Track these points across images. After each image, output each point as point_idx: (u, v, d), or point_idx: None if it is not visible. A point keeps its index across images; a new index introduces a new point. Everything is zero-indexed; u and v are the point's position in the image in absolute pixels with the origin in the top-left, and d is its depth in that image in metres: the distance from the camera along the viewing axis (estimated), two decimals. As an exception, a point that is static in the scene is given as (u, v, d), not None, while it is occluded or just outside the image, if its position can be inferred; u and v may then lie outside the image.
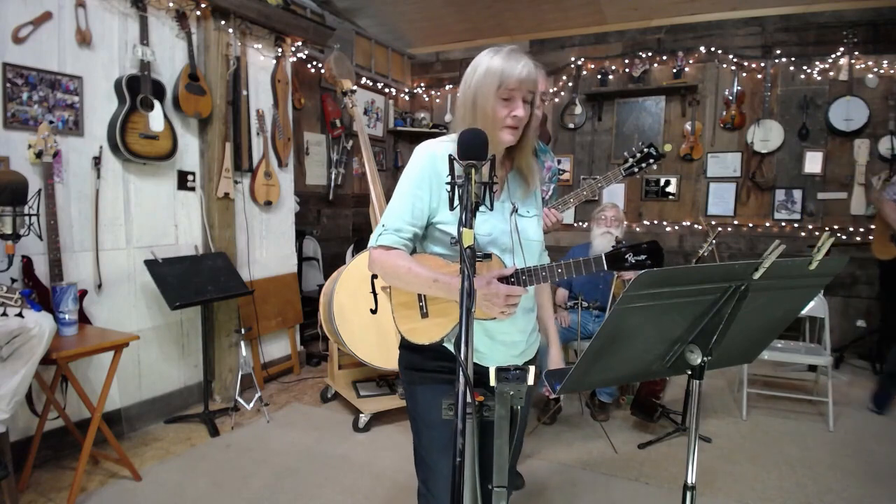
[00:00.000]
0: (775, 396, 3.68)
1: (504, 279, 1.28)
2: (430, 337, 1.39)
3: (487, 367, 1.37)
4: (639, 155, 2.07)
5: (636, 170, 2.07)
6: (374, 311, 3.07)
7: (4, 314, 1.97)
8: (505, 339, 1.42)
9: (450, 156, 1.15)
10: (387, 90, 5.73)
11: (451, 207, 1.12)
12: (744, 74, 4.98)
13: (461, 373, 0.92)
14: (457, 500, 0.88)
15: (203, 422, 3.14)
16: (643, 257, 1.24)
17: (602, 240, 3.43)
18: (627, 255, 1.25)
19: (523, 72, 1.29)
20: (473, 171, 1.10)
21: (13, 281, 2.44)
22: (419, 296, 1.39)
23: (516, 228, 1.40)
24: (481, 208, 1.31)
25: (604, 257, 1.27)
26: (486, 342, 1.41)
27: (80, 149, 2.80)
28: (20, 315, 2.01)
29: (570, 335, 3.44)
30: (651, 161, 2.05)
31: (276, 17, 3.73)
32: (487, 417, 1.03)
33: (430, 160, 1.37)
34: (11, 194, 2.21)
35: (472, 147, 1.13)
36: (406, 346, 1.48)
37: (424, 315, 1.40)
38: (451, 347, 1.41)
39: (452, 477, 0.88)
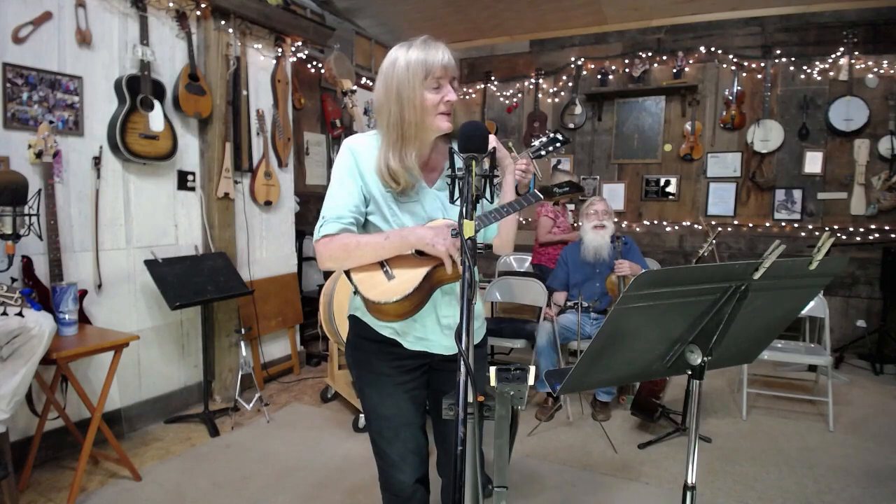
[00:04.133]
0: (775, 396, 3.68)
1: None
2: (404, 290, 1.33)
3: (435, 354, 1.46)
4: (545, 139, 2.19)
5: (543, 153, 2.19)
6: (374, 311, 3.06)
7: (4, 313, 1.97)
8: (450, 323, 1.44)
9: (450, 148, 1.16)
10: (387, 90, 5.72)
11: (452, 200, 1.13)
12: (744, 74, 4.98)
13: (462, 362, 0.92)
14: (457, 489, 0.90)
15: (203, 422, 3.14)
16: (566, 188, 1.42)
17: (595, 234, 3.42)
18: (554, 189, 1.42)
19: (445, 57, 1.32)
20: (474, 163, 1.11)
21: (13, 280, 2.44)
22: (380, 264, 1.38)
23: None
24: (411, 199, 1.39)
25: (537, 192, 1.44)
26: (435, 329, 1.44)
27: (80, 149, 2.80)
28: (20, 314, 2.01)
29: (570, 335, 3.44)
30: (557, 145, 2.17)
31: (276, 17, 3.73)
32: (488, 417, 1.03)
33: (351, 153, 1.40)
34: (11, 194, 2.21)
35: (473, 139, 1.14)
36: (354, 346, 1.52)
37: (391, 278, 1.38)
38: (405, 342, 1.44)
39: (453, 466, 0.89)
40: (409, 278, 1.37)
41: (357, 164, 1.39)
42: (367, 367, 1.49)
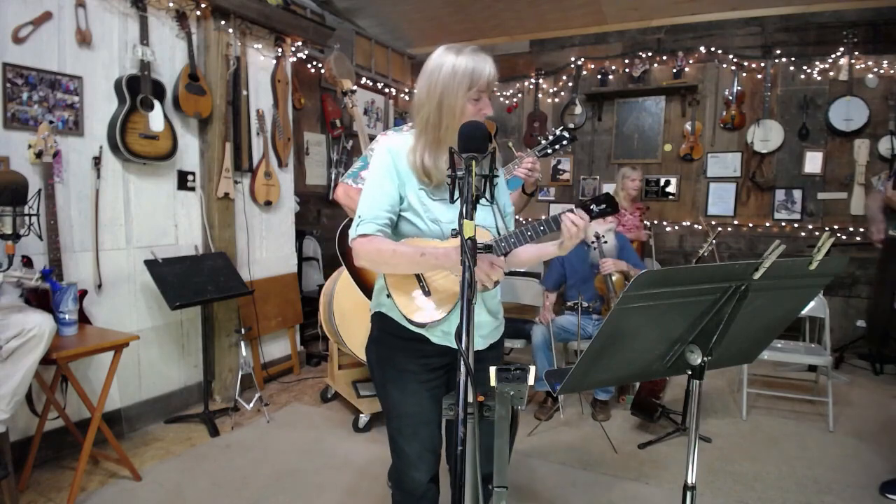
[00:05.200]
0: (775, 396, 3.68)
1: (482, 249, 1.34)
2: (439, 314, 1.41)
3: (455, 348, 1.45)
4: (552, 137, 2.20)
5: (549, 151, 2.21)
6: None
7: (22, 295, 1.98)
8: (476, 321, 1.45)
9: (450, 149, 1.17)
10: (387, 90, 5.73)
11: (452, 200, 1.14)
12: (744, 74, 4.98)
13: (462, 362, 0.92)
14: (458, 488, 0.90)
15: (203, 422, 3.14)
16: (604, 206, 1.42)
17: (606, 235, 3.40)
18: (592, 206, 1.43)
19: (491, 72, 1.35)
20: (474, 163, 1.11)
21: (24, 258, 2.40)
22: (417, 277, 1.43)
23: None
24: (443, 196, 1.41)
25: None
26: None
27: (80, 149, 2.79)
28: (38, 287, 2.01)
29: (569, 336, 3.43)
30: (564, 143, 2.17)
31: (276, 17, 3.73)
32: (488, 417, 1.03)
33: (390, 154, 1.43)
34: (11, 194, 2.21)
35: (473, 139, 1.15)
36: (379, 343, 1.53)
37: (427, 294, 1.43)
38: (433, 337, 1.45)
39: (454, 466, 0.89)
40: (445, 298, 1.42)
41: (395, 164, 1.42)
42: (391, 363, 1.50)
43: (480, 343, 1.50)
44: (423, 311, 1.41)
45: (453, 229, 1.13)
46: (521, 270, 4.98)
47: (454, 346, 1.46)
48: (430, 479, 1.53)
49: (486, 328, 1.52)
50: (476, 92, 1.34)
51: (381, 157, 1.44)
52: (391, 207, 1.41)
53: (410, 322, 1.43)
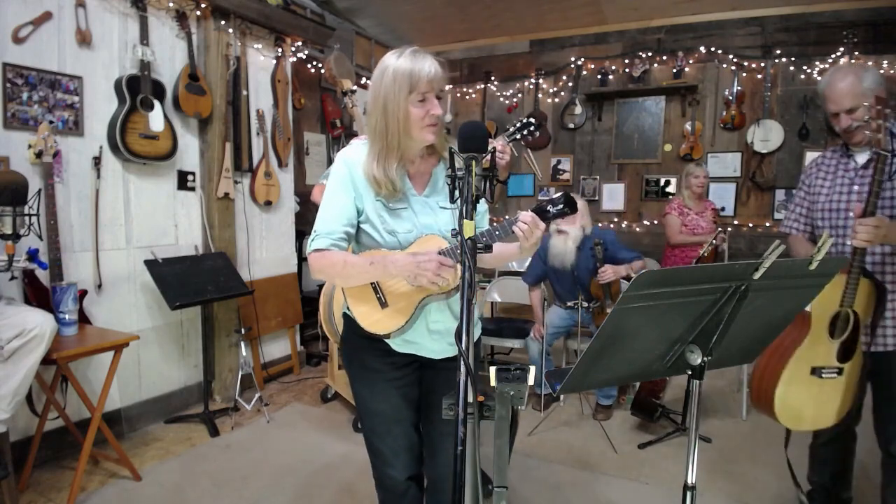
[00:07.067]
0: (775, 396, 3.68)
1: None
2: (395, 324, 1.41)
3: (423, 356, 1.47)
4: (518, 124, 2.23)
5: (518, 136, 2.23)
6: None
7: (13, 277, 1.97)
8: (439, 328, 1.45)
9: (450, 148, 1.17)
10: (387, 90, 5.72)
11: (452, 200, 1.13)
12: (744, 74, 4.98)
13: (462, 362, 0.92)
14: (458, 490, 0.90)
15: (203, 422, 3.14)
16: (561, 206, 1.35)
17: (556, 239, 3.26)
18: (549, 207, 1.35)
19: (431, 71, 1.31)
20: (474, 163, 1.11)
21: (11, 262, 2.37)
22: (374, 288, 1.42)
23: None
24: (401, 206, 1.40)
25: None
26: (423, 333, 1.45)
27: (80, 149, 2.80)
28: (25, 269, 2.03)
29: (560, 332, 3.41)
30: (532, 128, 2.20)
31: (276, 17, 3.73)
32: (488, 417, 1.03)
33: (346, 166, 1.42)
34: (11, 194, 2.20)
35: (473, 139, 1.15)
36: (348, 343, 1.54)
37: (384, 305, 1.42)
38: (394, 345, 1.46)
39: (454, 466, 0.89)
40: (402, 308, 1.41)
41: (351, 175, 1.41)
42: (358, 363, 1.52)
43: (450, 350, 1.47)
44: (381, 323, 1.42)
45: (453, 229, 1.13)
46: (522, 271, 4.98)
47: (415, 353, 1.47)
48: (409, 477, 1.53)
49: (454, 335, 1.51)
50: (418, 94, 1.31)
51: (337, 169, 1.43)
52: (347, 221, 1.40)
53: (362, 329, 1.43)
